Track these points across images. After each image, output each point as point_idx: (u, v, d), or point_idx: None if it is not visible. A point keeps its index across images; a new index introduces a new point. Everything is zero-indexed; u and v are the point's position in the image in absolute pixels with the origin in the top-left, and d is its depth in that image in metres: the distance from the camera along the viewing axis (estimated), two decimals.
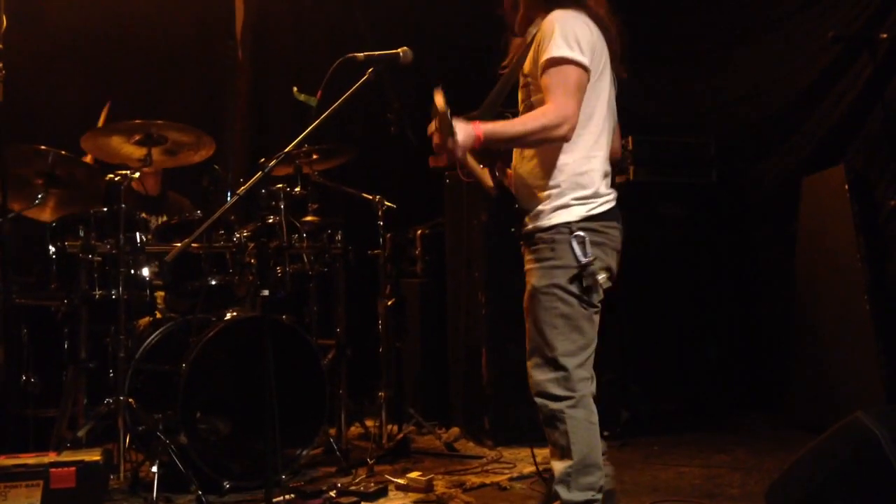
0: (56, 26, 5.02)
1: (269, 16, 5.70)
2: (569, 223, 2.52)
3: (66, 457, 2.99)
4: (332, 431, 4.03)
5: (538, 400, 2.56)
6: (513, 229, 2.76)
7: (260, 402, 3.44)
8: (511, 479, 3.59)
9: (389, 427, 4.28)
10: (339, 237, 4.12)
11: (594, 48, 2.54)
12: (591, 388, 2.59)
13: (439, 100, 2.43)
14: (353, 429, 4.40)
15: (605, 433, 4.26)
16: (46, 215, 3.77)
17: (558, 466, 2.53)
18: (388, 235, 4.33)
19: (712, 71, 5.18)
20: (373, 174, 5.45)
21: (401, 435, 4.19)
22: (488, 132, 2.48)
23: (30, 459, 2.96)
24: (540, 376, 2.56)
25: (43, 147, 3.60)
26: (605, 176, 2.62)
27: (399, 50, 2.96)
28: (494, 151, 2.75)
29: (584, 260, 2.49)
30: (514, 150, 2.73)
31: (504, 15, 2.78)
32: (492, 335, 4.37)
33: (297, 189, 3.98)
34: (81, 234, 3.45)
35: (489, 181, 2.80)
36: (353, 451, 4.02)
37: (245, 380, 3.55)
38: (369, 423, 4.50)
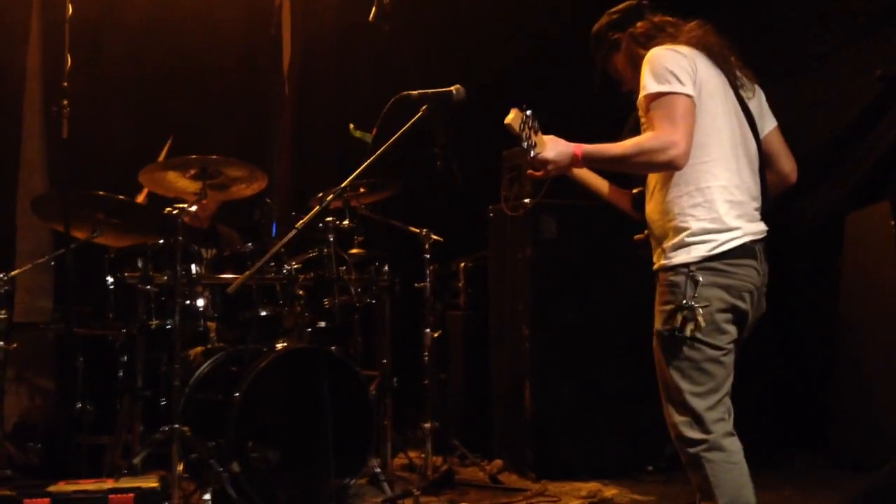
0: (113, 66, 5.21)
1: (314, 52, 5.84)
2: (688, 264, 2.43)
3: (125, 483, 3.04)
4: (377, 462, 4.06)
5: (676, 443, 2.49)
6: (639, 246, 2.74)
7: (310, 432, 3.53)
8: None
9: (433, 458, 4.31)
10: (385, 269, 4.18)
11: (694, 72, 2.46)
12: (728, 426, 2.48)
13: (509, 116, 2.45)
14: (396, 459, 4.43)
15: (650, 468, 4.34)
16: (116, 242, 3.86)
17: None
18: (431, 268, 4.39)
19: None
20: (415, 207, 5.52)
21: (445, 466, 4.20)
22: (588, 151, 2.49)
23: (89, 485, 3.02)
24: (673, 418, 2.49)
25: (101, 192, 3.71)
26: (738, 208, 2.48)
27: (452, 88, 3.05)
28: (633, 179, 2.77)
29: (685, 302, 2.40)
30: (647, 191, 2.67)
31: (623, 84, 2.76)
32: (535, 368, 4.40)
33: (346, 222, 4.07)
34: (140, 265, 3.54)
35: (627, 206, 2.84)
36: (398, 482, 4.05)
37: (295, 410, 3.61)
38: (412, 454, 4.54)
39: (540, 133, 2.47)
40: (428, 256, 4.32)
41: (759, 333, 4.72)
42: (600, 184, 2.89)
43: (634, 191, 2.79)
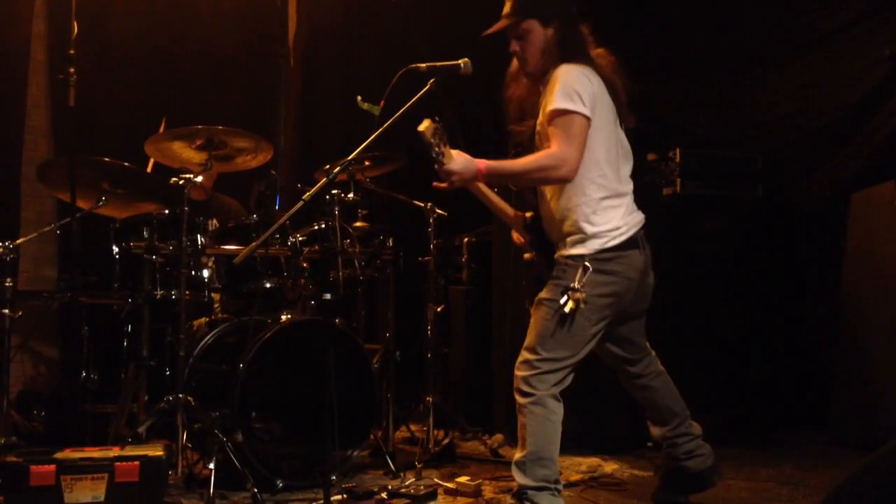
0: (120, 34, 5.18)
1: (320, 24, 5.80)
2: (583, 255, 2.86)
3: (130, 451, 3.06)
4: (379, 434, 4.08)
5: (515, 392, 2.91)
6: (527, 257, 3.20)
7: (313, 404, 3.56)
8: None
9: (434, 432, 4.33)
10: (389, 243, 4.19)
11: (595, 98, 2.84)
12: (556, 391, 2.88)
13: (423, 125, 2.68)
14: (398, 432, 4.46)
15: (650, 443, 4.35)
16: (119, 213, 3.87)
17: (517, 454, 2.90)
18: (435, 242, 4.39)
19: (761, 85, 5.19)
20: (420, 181, 5.51)
21: (447, 440, 4.23)
22: (491, 166, 2.83)
23: (95, 453, 3.04)
24: (518, 372, 2.91)
25: (107, 159, 3.70)
26: (622, 209, 2.92)
27: (460, 61, 3.04)
28: (527, 202, 3.11)
29: (575, 285, 2.80)
30: (539, 192, 3.04)
31: (521, 58, 3.03)
32: None
33: (351, 195, 4.07)
34: (145, 235, 3.55)
35: (519, 227, 3.18)
36: (399, 455, 4.08)
37: (298, 381, 3.62)
38: (414, 427, 4.57)
39: (448, 146, 2.76)
40: (432, 231, 4.32)
41: (761, 312, 4.80)
42: (498, 202, 3.17)
43: (527, 215, 3.12)
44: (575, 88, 2.80)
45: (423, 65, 3.02)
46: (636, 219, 2.96)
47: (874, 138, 4.66)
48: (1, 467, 2.92)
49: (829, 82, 4.91)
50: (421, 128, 2.68)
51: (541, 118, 2.92)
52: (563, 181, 2.84)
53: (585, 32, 2.99)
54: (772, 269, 4.93)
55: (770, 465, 4.02)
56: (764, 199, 4.91)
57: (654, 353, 3.17)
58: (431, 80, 3.02)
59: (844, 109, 4.82)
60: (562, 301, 2.79)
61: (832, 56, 4.89)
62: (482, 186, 3.11)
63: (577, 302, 2.78)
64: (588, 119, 2.80)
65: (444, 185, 2.88)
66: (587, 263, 2.82)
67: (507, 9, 3.02)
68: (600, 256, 2.85)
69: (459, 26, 5.51)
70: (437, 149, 2.72)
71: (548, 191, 2.99)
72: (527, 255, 3.19)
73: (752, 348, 4.78)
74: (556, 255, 2.96)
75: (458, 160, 2.80)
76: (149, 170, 4.31)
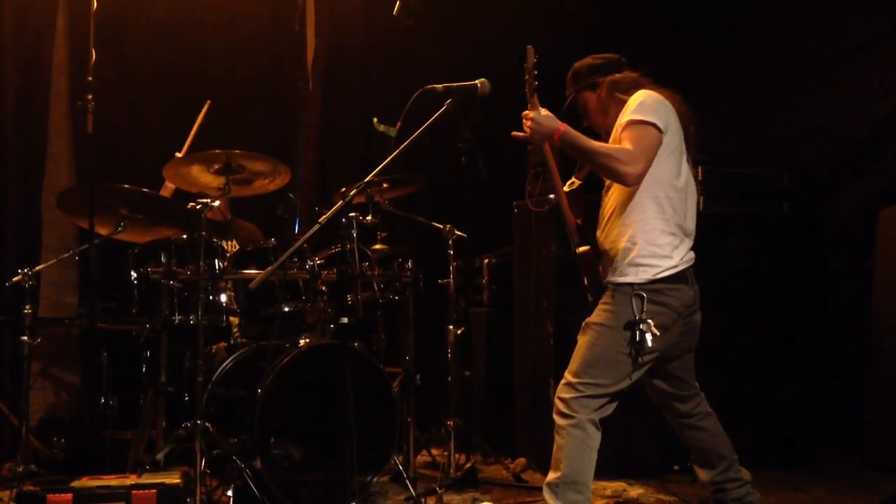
0: (138, 61, 5.23)
1: (339, 48, 5.81)
2: (633, 283, 2.87)
3: (147, 479, 3.05)
4: (400, 459, 4.03)
5: (554, 413, 2.88)
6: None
7: (333, 429, 3.51)
8: None
9: (456, 456, 4.27)
10: (409, 265, 4.15)
11: (668, 120, 2.90)
12: (595, 417, 2.86)
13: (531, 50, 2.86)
14: (419, 457, 4.40)
15: (676, 467, 4.28)
16: (138, 238, 3.88)
17: (550, 475, 2.85)
18: (455, 264, 4.35)
19: (786, 102, 5.13)
20: (439, 202, 5.49)
21: (468, 464, 4.17)
22: (568, 131, 2.88)
23: (112, 481, 3.02)
24: (559, 394, 2.89)
25: (126, 185, 3.71)
26: (677, 240, 2.93)
27: (477, 81, 3.03)
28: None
29: (638, 316, 2.83)
30: (601, 221, 3.06)
31: (593, 125, 3.14)
32: (559, 365, 4.30)
33: (369, 217, 4.04)
34: (163, 260, 3.54)
35: (571, 224, 3.20)
36: (421, 480, 4.02)
37: (318, 406, 3.59)
38: (435, 451, 4.51)
39: (536, 93, 2.90)
40: (451, 252, 4.28)
41: (790, 332, 4.70)
42: (559, 185, 3.22)
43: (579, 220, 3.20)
44: (649, 104, 2.88)
45: (440, 86, 3.01)
46: (689, 256, 2.97)
47: None
48: (18, 496, 2.92)
49: (856, 98, 4.84)
50: (530, 48, 2.90)
51: (614, 135, 2.96)
52: (622, 179, 2.85)
53: (636, 75, 3.08)
54: (800, 287, 4.83)
55: (801, 488, 3.93)
56: (790, 216, 4.81)
57: (702, 394, 3.12)
58: (448, 101, 3.01)
59: (871, 125, 4.75)
60: (637, 339, 2.81)
61: (859, 72, 4.83)
62: (553, 164, 3.16)
63: (651, 332, 2.81)
64: (661, 133, 2.86)
65: (522, 134, 2.93)
66: (642, 293, 2.83)
67: (567, 91, 3.20)
68: (650, 287, 2.86)
69: (478, 47, 5.54)
70: (530, 77, 2.88)
71: (608, 205, 3.02)
72: (581, 249, 3.16)
73: (783, 369, 4.67)
74: (606, 280, 2.98)
75: (541, 112, 2.89)
76: (167, 192, 4.32)
